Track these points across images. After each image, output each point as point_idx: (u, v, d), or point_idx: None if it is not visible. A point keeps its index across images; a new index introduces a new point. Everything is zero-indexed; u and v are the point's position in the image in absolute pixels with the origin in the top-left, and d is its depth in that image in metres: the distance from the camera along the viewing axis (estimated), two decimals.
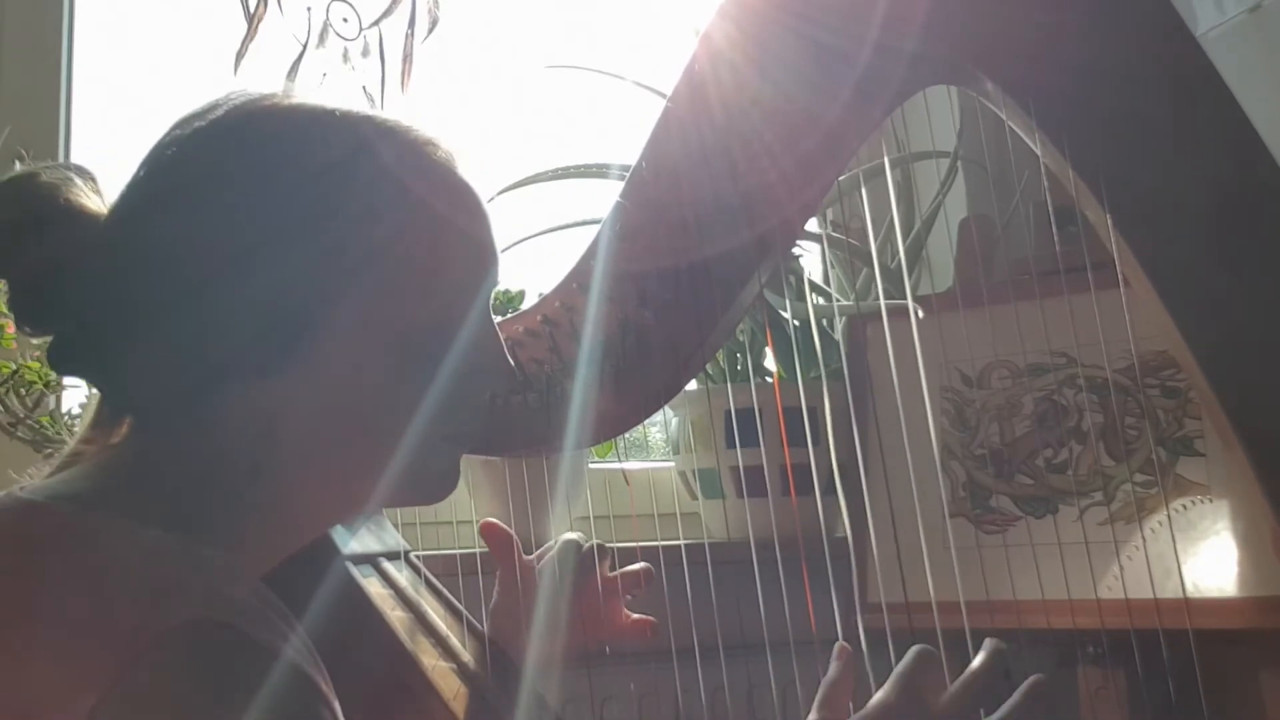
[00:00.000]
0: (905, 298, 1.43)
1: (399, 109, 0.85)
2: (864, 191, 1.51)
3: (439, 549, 1.27)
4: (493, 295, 0.86)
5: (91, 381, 0.82)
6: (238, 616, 0.64)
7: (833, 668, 0.92)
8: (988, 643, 0.88)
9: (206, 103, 0.79)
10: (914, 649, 0.87)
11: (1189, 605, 1.10)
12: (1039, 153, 0.89)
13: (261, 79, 1.49)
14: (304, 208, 0.75)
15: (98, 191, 0.80)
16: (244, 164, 0.76)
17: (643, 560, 1.11)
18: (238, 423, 0.76)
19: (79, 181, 0.80)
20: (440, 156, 0.81)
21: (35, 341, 1.29)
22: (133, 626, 0.62)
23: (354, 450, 0.78)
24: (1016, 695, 0.86)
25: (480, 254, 0.83)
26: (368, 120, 0.81)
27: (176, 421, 0.76)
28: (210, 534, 0.72)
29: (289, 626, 0.68)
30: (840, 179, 1.01)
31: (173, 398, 0.76)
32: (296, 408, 0.76)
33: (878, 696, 0.85)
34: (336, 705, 0.68)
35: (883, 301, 1.30)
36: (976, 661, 0.87)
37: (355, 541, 1.06)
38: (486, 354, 0.83)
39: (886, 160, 1.09)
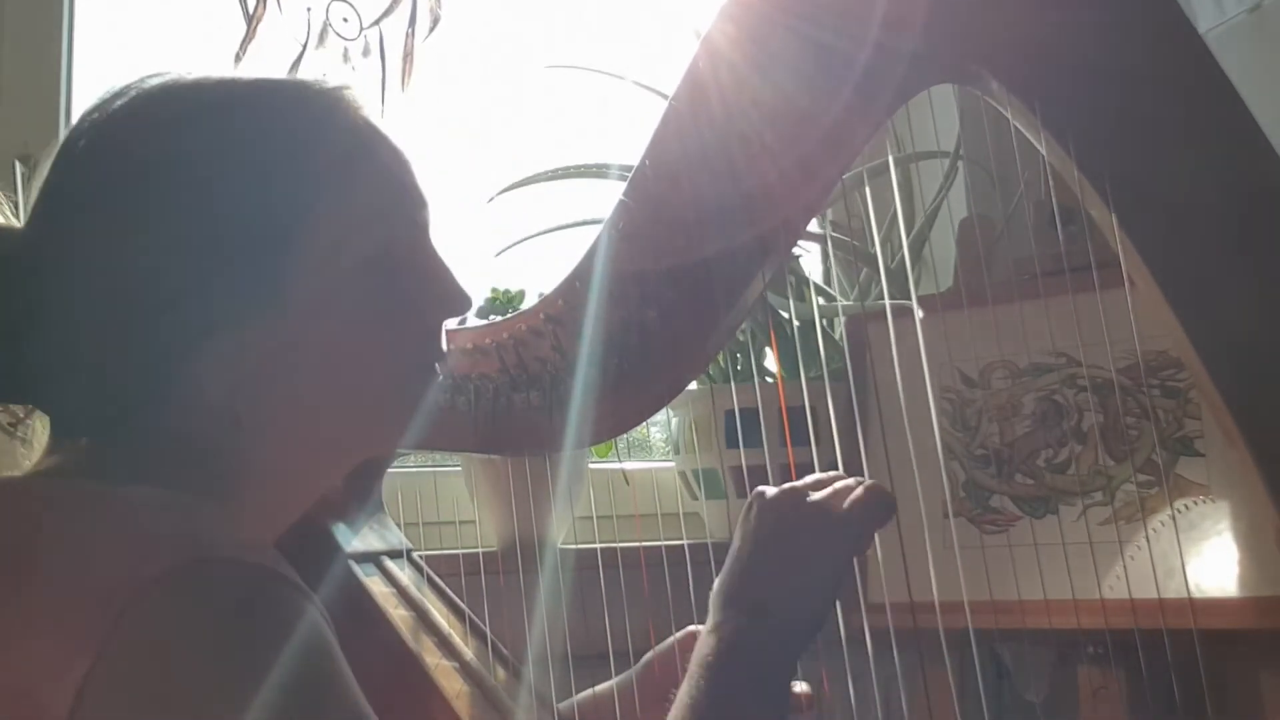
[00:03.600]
0: (906, 298, 1.43)
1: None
2: (865, 191, 1.51)
3: (441, 549, 1.27)
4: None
5: (40, 406, 0.79)
6: (227, 548, 0.63)
7: None
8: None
9: (106, 93, 0.79)
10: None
11: (1191, 605, 1.10)
12: (1043, 152, 0.89)
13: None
14: (234, 168, 0.76)
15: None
16: (166, 140, 0.76)
17: (645, 560, 1.11)
18: (214, 388, 0.75)
19: None
20: (357, 102, 0.82)
21: None
22: (120, 581, 0.61)
23: (334, 394, 0.79)
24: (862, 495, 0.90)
25: (410, 187, 0.83)
26: (276, 82, 0.83)
27: (153, 409, 0.75)
28: (201, 492, 0.72)
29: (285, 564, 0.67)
30: (842, 178, 1.01)
31: (143, 388, 0.75)
32: (272, 362, 0.76)
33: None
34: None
35: (885, 301, 1.30)
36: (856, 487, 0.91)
37: (358, 540, 1.06)
38: (440, 282, 0.84)
39: (891, 159, 1.09)
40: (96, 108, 0.78)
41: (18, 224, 0.80)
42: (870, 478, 1.22)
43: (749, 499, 0.91)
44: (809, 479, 0.92)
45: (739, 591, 0.86)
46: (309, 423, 0.79)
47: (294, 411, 0.78)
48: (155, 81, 0.79)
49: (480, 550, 1.12)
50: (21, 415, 1.28)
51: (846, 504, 0.89)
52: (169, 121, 0.77)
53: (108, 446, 0.76)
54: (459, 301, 0.86)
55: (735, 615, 0.85)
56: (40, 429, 0.82)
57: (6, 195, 0.82)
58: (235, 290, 0.75)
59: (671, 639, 1.05)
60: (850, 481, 0.91)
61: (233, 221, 0.75)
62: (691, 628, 1.05)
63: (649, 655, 1.05)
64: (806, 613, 0.86)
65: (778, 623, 0.85)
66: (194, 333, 0.74)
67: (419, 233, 0.84)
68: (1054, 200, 1.11)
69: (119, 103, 0.78)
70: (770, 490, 0.90)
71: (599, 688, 1.06)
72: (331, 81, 0.83)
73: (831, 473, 0.94)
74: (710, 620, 0.86)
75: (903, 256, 1.54)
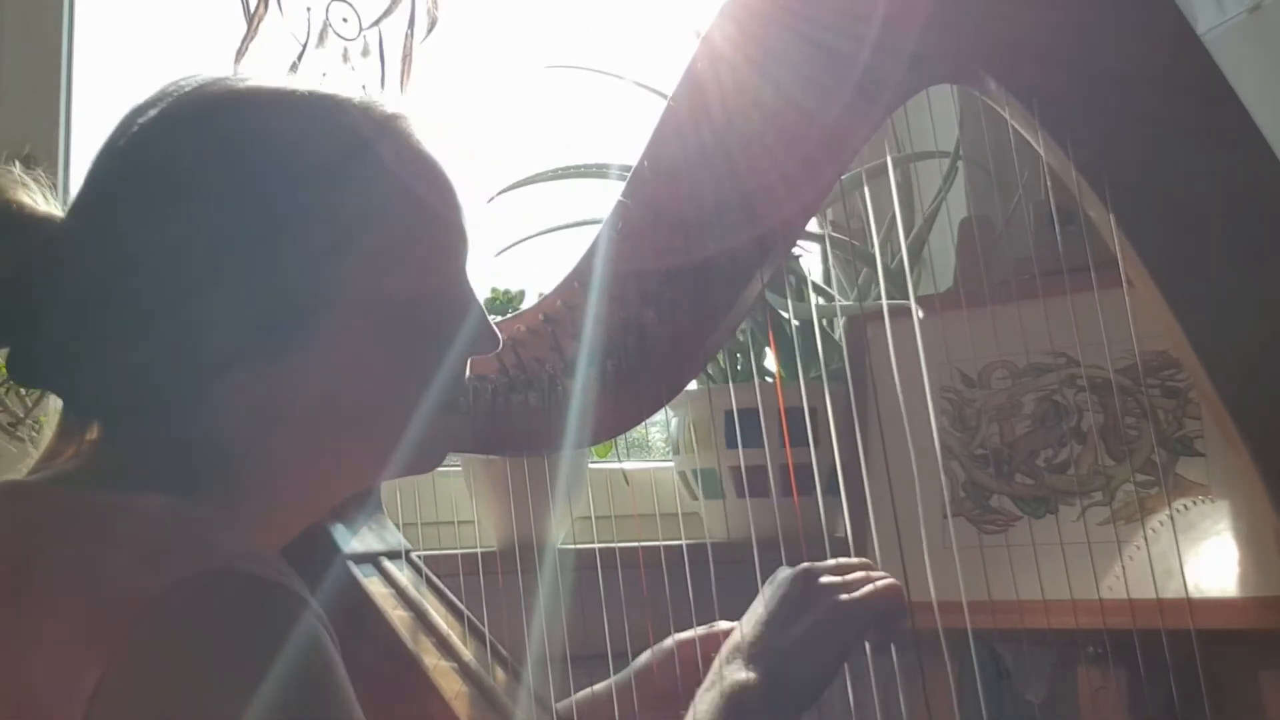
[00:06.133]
0: (906, 298, 1.43)
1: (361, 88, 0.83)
2: (865, 191, 1.51)
3: (440, 549, 1.27)
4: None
5: (56, 389, 0.80)
6: (233, 560, 0.63)
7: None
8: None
9: (156, 92, 0.78)
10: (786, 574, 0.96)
11: (1189, 605, 1.09)
12: (1042, 153, 0.88)
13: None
14: (283, 195, 0.75)
15: (38, 184, 0.79)
16: (218, 155, 0.75)
17: (644, 560, 1.11)
18: (237, 409, 0.75)
19: (19, 178, 0.78)
20: (410, 132, 0.81)
21: None
22: (130, 592, 0.60)
23: (353, 427, 0.79)
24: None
25: (456, 224, 0.83)
26: (334, 100, 0.80)
27: (170, 414, 0.75)
28: (207, 501, 0.72)
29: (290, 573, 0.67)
30: (841, 178, 1.01)
31: (164, 393, 0.75)
32: (295, 392, 0.76)
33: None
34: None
35: (884, 301, 1.30)
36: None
37: (356, 541, 1.06)
38: (470, 320, 0.84)
39: (889, 160, 1.09)
40: (150, 104, 0.77)
41: (57, 213, 0.78)
42: (870, 478, 1.23)
43: (773, 576, 0.96)
44: (830, 563, 0.97)
45: (745, 656, 0.90)
46: (320, 448, 0.79)
47: (308, 437, 0.78)
48: (217, 89, 0.78)
49: (479, 550, 1.11)
50: (21, 415, 1.28)
51: (859, 595, 0.93)
52: (219, 134, 0.76)
53: (116, 450, 0.76)
54: (487, 341, 0.86)
55: (737, 676, 0.89)
56: (46, 426, 0.82)
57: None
58: (266, 321, 0.74)
59: (670, 639, 1.05)
60: (872, 575, 0.96)
61: (269, 250, 0.74)
62: (683, 635, 1.05)
63: (644, 656, 1.05)
64: (799, 688, 0.90)
65: (773, 692, 0.89)
66: (218, 355, 0.74)
67: (457, 271, 0.84)
68: (1053, 201, 1.11)
69: (167, 104, 0.77)
70: (787, 570, 0.95)
71: (597, 687, 1.06)
72: (390, 107, 0.82)
73: (856, 560, 0.99)
74: (712, 676, 0.90)
75: (902, 257, 1.54)
